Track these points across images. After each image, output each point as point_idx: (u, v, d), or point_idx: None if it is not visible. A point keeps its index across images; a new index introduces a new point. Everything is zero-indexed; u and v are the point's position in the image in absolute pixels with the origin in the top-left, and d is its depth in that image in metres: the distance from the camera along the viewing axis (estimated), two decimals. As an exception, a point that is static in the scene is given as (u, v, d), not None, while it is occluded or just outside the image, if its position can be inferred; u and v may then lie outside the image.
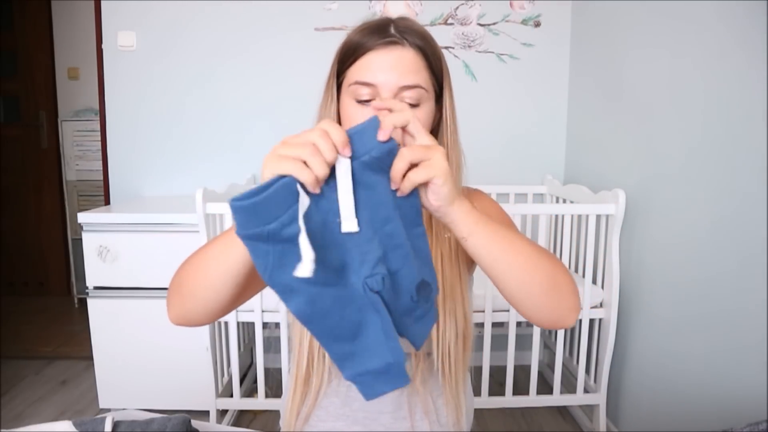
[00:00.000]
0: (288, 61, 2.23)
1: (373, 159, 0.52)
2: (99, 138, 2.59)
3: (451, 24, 2.21)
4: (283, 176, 0.48)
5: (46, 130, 3.18)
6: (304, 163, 0.48)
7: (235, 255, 0.58)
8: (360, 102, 0.74)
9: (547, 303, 0.63)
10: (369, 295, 0.53)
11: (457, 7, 2.21)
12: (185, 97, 2.26)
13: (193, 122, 2.27)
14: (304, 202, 0.48)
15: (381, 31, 0.73)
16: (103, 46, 2.24)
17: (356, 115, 0.74)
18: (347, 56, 0.76)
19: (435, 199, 0.55)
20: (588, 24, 2.08)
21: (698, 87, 1.36)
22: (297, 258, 0.48)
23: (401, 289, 0.57)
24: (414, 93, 0.72)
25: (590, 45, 2.06)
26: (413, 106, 0.72)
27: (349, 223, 0.51)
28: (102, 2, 2.21)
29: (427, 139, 0.56)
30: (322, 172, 0.49)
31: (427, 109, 0.74)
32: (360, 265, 0.53)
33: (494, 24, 2.23)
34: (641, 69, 1.64)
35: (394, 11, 2.19)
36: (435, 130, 0.79)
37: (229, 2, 2.20)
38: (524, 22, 2.24)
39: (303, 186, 0.48)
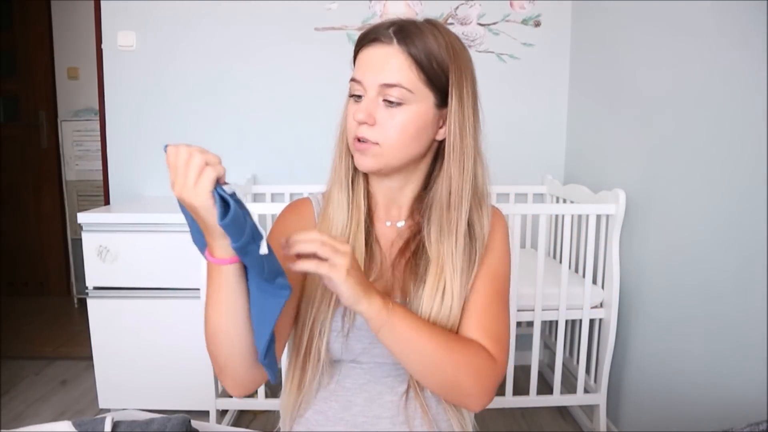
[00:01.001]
0: (288, 61, 2.23)
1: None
2: (99, 138, 2.59)
3: (452, 24, 2.21)
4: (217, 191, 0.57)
5: (46, 130, 3.18)
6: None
7: (218, 287, 0.64)
8: (352, 97, 0.76)
9: (444, 395, 0.76)
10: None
11: (457, 7, 2.22)
12: (185, 97, 2.26)
13: (192, 122, 2.27)
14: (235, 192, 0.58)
15: (377, 30, 0.74)
16: (103, 46, 2.24)
17: (350, 110, 0.76)
18: (354, 53, 0.79)
19: (339, 295, 0.64)
20: (588, 24, 2.08)
21: (698, 87, 1.36)
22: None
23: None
24: (395, 92, 0.72)
25: (590, 45, 2.06)
26: (395, 105, 0.73)
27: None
28: (102, 2, 2.21)
29: (341, 246, 0.63)
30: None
31: (413, 110, 0.74)
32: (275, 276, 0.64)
33: (494, 24, 2.23)
34: (641, 69, 1.64)
35: (394, 11, 2.19)
36: (443, 139, 0.79)
37: (228, 2, 2.20)
38: (524, 22, 2.24)
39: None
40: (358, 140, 0.75)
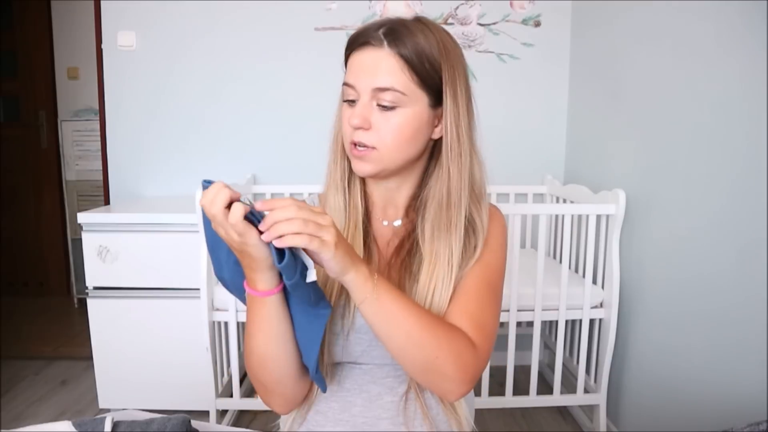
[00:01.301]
0: (288, 61, 2.23)
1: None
2: (99, 138, 2.59)
3: (452, 24, 2.21)
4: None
5: (46, 130, 3.18)
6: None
7: (263, 317, 0.66)
8: (346, 102, 0.76)
9: (420, 378, 0.72)
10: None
11: (457, 7, 2.21)
12: (185, 97, 2.26)
13: (192, 122, 2.27)
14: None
15: (367, 33, 0.74)
16: (103, 46, 2.24)
17: (344, 115, 0.76)
18: (345, 56, 0.78)
19: (328, 269, 0.62)
20: (588, 24, 2.08)
21: (698, 86, 1.36)
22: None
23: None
24: (388, 95, 0.72)
25: (590, 45, 2.06)
26: (389, 108, 0.73)
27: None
28: (102, 2, 2.21)
29: (323, 219, 0.60)
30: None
31: (407, 113, 0.73)
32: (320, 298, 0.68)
33: (494, 24, 2.23)
34: (641, 69, 1.64)
35: (394, 11, 2.19)
36: (438, 137, 0.78)
37: (228, 3, 2.20)
38: (524, 22, 2.24)
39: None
40: (355, 145, 0.74)
